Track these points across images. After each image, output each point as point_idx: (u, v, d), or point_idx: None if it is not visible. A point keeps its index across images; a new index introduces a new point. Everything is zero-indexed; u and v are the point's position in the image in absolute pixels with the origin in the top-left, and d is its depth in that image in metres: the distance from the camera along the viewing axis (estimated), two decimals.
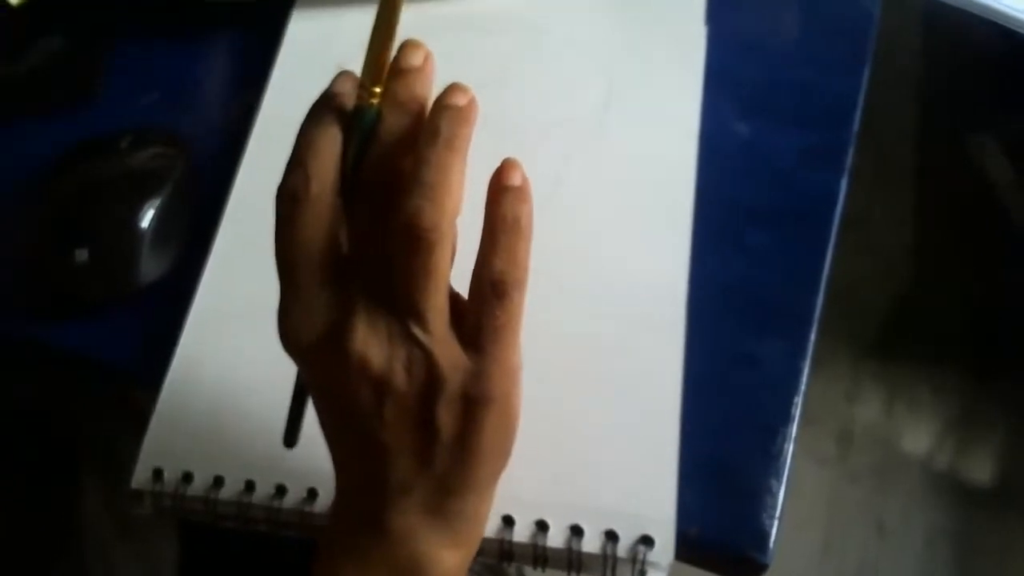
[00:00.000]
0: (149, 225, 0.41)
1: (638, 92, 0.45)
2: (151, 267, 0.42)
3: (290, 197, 0.26)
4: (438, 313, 0.27)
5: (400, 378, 0.26)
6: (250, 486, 0.36)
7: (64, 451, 0.64)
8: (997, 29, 0.51)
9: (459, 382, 0.27)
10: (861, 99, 0.45)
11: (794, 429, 0.37)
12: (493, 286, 0.27)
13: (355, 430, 0.28)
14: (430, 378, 0.26)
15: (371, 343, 0.26)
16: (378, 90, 0.27)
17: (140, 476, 0.36)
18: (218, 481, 0.36)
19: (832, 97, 0.45)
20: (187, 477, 0.36)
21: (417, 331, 0.26)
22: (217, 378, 0.38)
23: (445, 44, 0.47)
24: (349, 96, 0.28)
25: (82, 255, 0.40)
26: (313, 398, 0.30)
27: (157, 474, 0.36)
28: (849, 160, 0.43)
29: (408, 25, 0.52)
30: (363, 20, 0.49)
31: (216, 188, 0.44)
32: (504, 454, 0.29)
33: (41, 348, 0.43)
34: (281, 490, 0.35)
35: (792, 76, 0.46)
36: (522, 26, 0.48)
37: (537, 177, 0.42)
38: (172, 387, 0.38)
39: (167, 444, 0.37)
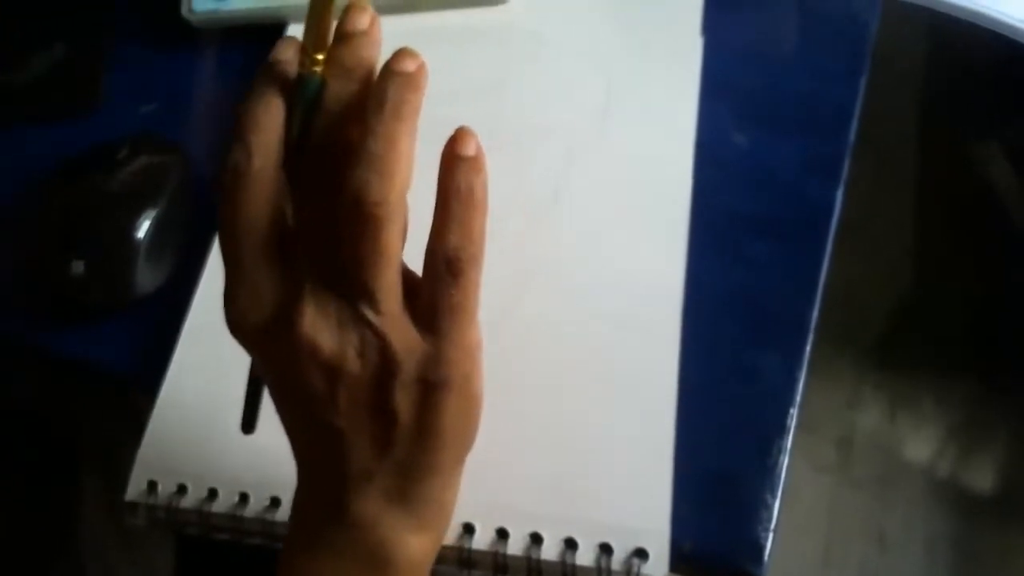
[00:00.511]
0: (146, 236, 0.41)
1: (635, 99, 0.45)
2: (148, 277, 0.42)
3: (231, 173, 0.25)
4: (390, 293, 0.25)
5: (352, 363, 0.25)
6: (244, 499, 0.36)
7: (64, 453, 0.64)
8: (998, 34, 0.51)
9: (415, 365, 0.26)
10: (858, 108, 0.45)
11: (790, 441, 0.37)
12: (447, 263, 0.25)
13: (310, 417, 0.27)
14: (384, 362, 0.25)
15: (321, 326, 0.25)
16: (321, 57, 0.25)
17: (134, 488, 0.36)
18: (212, 494, 0.36)
19: (829, 106, 0.45)
20: (181, 489, 0.36)
21: (368, 312, 0.25)
22: (212, 391, 0.38)
23: (444, 53, 0.48)
24: (292, 64, 0.26)
25: (78, 266, 0.40)
26: (267, 386, 0.29)
27: (151, 486, 0.36)
28: (846, 170, 0.43)
29: (407, 34, 0.52)
30: None
31: (213, 196, 0.44)
32: (468, 436, 0.28)
33: (41, 351, 0.43)
34: (275, 502, 0.35)
35: (789, 85, 0.46)
36: (520, 35, 0.48)
37: (535, 184, 0.43)
38: (167, 399, 0.38)
39: (161, 456, 0.37)
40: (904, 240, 1.09)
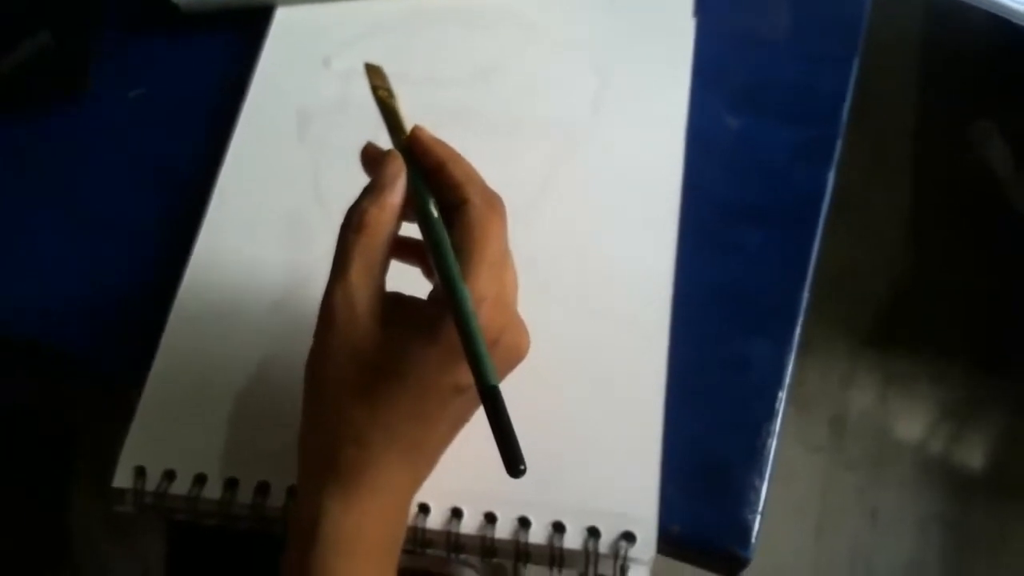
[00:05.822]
0: None
1: (627, 86, 0.45)
2: None
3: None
4: None
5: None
6: (232, 484, 0.36)
7: (55, 450, 0.64)
8: (993, 16, 0.51)
9: None
10: (851, 91, 0.45)
11: (777, 425, 0.37)
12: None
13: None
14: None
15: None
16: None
17: (122, 474, 0.36)
18: (200, 479, 0.36)
19: (821, 90, 0.45)
20: (169, 475, 0.36)
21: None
22: (199, 377, 0.38)
23: (435, 38, 0.47)
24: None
25: None
26: (316, 377, 0.30)
27: (139, 472, 0.36)
28: (837, 154, 0.43)
29: (399, 19, 0.51)
30: (343, 13, 0.49)
31: (202, 182, 0.44)
32: None
33: (29, 347, 0.43)
34: (263, 488, 0.35)
35: (781, 70, 0.46)
36: (511, 20, 0.48)
37: (526, 173, 0.42)
38: (154, 386, 0.38)
39: (149, 442, 0.37)
40: (900, 222, 1.09)
